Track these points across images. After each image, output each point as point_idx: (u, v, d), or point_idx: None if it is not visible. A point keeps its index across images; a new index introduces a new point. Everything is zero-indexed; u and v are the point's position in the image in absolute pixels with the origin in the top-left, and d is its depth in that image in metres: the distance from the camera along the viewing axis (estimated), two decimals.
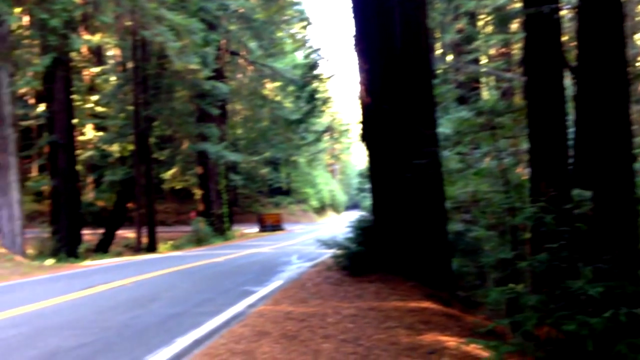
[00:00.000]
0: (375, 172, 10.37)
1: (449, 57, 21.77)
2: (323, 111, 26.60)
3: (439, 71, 16.52)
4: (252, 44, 32.45)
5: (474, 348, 5.62)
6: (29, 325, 6.88)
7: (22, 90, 28.74)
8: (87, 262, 19.02)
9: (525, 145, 7.66)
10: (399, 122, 9.52)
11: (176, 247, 26.31)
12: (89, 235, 27.82)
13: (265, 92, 37.18)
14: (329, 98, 23.77)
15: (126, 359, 5.25)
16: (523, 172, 8.89)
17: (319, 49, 21.95)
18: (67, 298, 9.24)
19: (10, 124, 17.65)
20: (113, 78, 32.51)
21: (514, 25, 17.87)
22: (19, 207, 17.91)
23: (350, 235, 11.68)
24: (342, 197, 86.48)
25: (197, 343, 5.86)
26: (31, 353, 5.48)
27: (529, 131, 6.15)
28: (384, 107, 9.60)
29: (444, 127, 12.24)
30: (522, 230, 7.39)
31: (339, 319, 6.86)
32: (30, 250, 20.24)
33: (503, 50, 20.53)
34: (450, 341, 5.80)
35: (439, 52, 21.88)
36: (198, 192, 33.27)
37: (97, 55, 35.55)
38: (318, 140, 25.18)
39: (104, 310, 7.90)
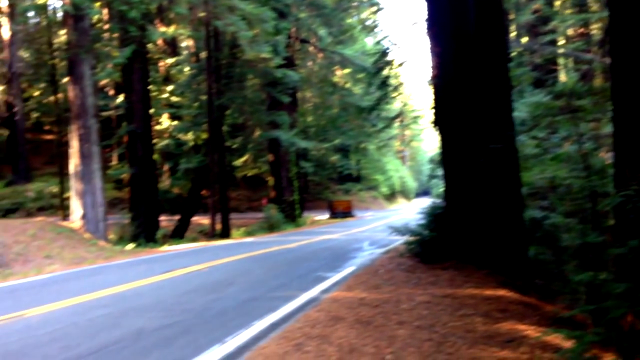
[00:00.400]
0: (448, 158, 10.21)
1: (524, 39, 21.10)
2: (394, 97, 26.29)
3: (513, 54, 16.05)
4: (322, 31, 32.48)
5: (554, 338, 5.48)
6: (114, 307, 7.20)
7: (103, 82, 29.90)
8: (165, 247, 19.67)
9: (607, 129, 7.36)
10: (473, 107, 9.32)
11: (249, 234, 26.81)
12: (166, 221, 28.73)
13: (335, 79, 37.17)
14: (400, 84, 23.44)
15: (207, 340, 5.41)
16: (605, 156, 8.56)
17: (390, 35, 21.80)
18: (149, 281, 9.61)
19: (93, 115, 18.41)
20: (187, 68, 33.29)
21: (594, 6, 17.13)
22: (102, 194, 18.69)
23: (422, 222, 11.58)
24: (412, 184, 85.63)
25: (274, 326, 5.98)
26: (118, 332, 5.74)
27: (614, 114, 5.90)
28: (459, 93, 9.42)
29: (520, 111, 11.91)
30: (603, 217, 7.13)
31: (412, 305, 6.83)
32: (111, 236, 21.13)
33: (582, 30, 19.72)
34: (529, 330, 5.67)
35: (513, 34, 21.25)
36: (270, 179, 33.75)
37: (172, 46, 36.50)
38: (389, 127, 24.98)
39: (183, 294, 8.16)
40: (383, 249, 14.48)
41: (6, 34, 32.69)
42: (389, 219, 31.05)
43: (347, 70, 36.28)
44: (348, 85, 38.60)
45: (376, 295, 7.61)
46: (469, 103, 9.33)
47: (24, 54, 29.97)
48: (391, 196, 69.08)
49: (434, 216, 11.22)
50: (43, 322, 6.32)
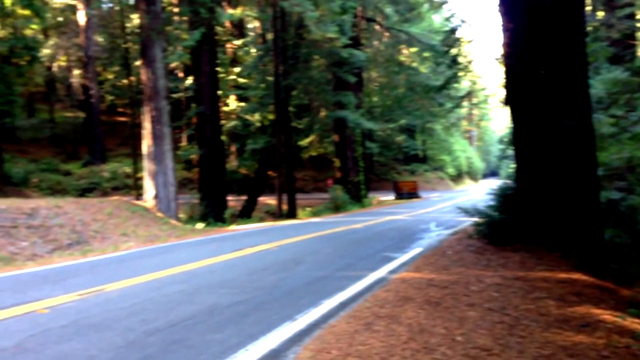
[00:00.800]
0: (520, 138, 9.93)
1: (600, 13, 20.19)
2: (464, 76, 25.74)
3: (589, 28, 15.40)
4: (389, 10, 32.06)
5: (631, 322, 5.30)
6: (188, 283, 7.44)
7: (173, 65, 30.61)
8: (233, 227, 20.09)
9: None
10: (547, 84, 9.01)
11: (315, 214, 27.04)
12: (233, 201, 29.33)
13: (402, 58, 36.70)
14: (469, 62, 22.86)
15: (278, 317, 5.51)
16: None
17: (458, 12, 21.28)
18: (220, 259, 9.86)
19: (164, 97, 18.91)
20: (253, 50, 33.65)
21: None
22: (173, 174, 19.23)
23: (492, 203, 11.36)
24: (479, 165, 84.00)
25: (343, 305, 6.03)
26: (192, 308, 5.93)
27: None
28: (532, 70, 9.12)
29: (596, 89, 11.47)
30: None
31: (482, 287, 6.74)
32: (182, 215, 21.75)
33: None
34: (605, 314, 5.50)
35: (589, 7, 20.36)
36: (335, 160, 33.84)
37: (239, 28, 36.98)
38: (458, 106, 24.47)
39: (253, 272, 8.34)
40: (450, 230, 14.32)
41: (82, 19, 33.90)
42: (456, 200, 30.65)
43: (413, 49, 35.72)
44: (414, 64, 38.07)
45: (445, 276, 7.55)
46: (543, 80, 9.02)
47: (99, 38, 30.99)
48: (458, 177, 68.05)
49: (503, 197, 10.98)
50: (122, 297, 6.60)
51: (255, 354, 4.35)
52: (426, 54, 34.39)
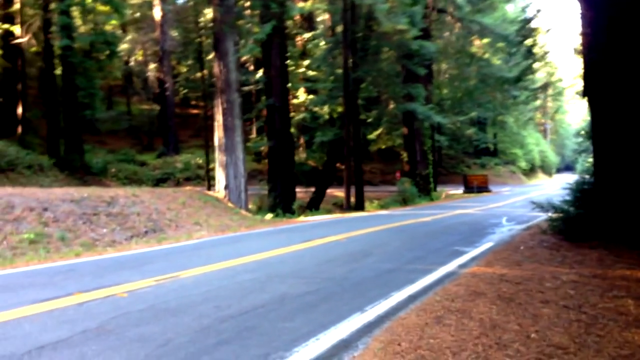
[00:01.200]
0: (600, 131, 9.57)
1: None
2: (539, 68, 24.94)
3: None
4: (461, 0, 31.45)
5: None
6: (259, 272, 7.58)
7: (244, 58, 31.11)
8: (302, 218, 20.29)
9: None
10: (629, 76, 8.64)
11: (382, 206, 26.94)
12: (301, 193, 29.61)
13: (473, 49, 35.92)
14: (545, 53, 22.09)
15: (347, 308, 5.55)
16: None
17: (533, 1, 20.54)
18: (289, 250, 10.00)
19: (236, 89, 19.28)
20: (323, 43, 33.73)
21: None
22: (243, 166, 19.60)
23: (567, 198, 11.03)
24: (553, 159, 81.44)
25: (412, 298, 6.00)
26: (263, 296, 6.05)
27: None
28: (613, 60, 8.76)
29: None
30: None
31: (558, 284, 6.57)
32: (251, 205, 22.14)
33: None
34: None
35: None
36: (403, 153, 33.59)
37: (309, 21, 37.17)
38: (533, 98, 23.67)
39: (322, 262, 8.41)
40: (523, 225, 13.99)
41: (158, 15, 34.92)
42: (529, 195, 29.86)
43: (486, 40, 34.91)
44: (487, 55, 37.19)
45: (517, 272, 7.40)
46: (625, 71, 8.65)
47: (174, 32, 31.86)
48: (530, 171, 66.21)
49: (580, 192, 10.64)
50: (196, 283, 6.80)
51: (326, 343, 4.39)
52: (499, 45, 33.56)
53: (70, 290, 6.40)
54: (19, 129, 31.46)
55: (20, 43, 27.86)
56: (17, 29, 28.96)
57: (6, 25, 30.86)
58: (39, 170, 22.36)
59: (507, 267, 7.79)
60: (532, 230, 12.29)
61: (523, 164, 63.26)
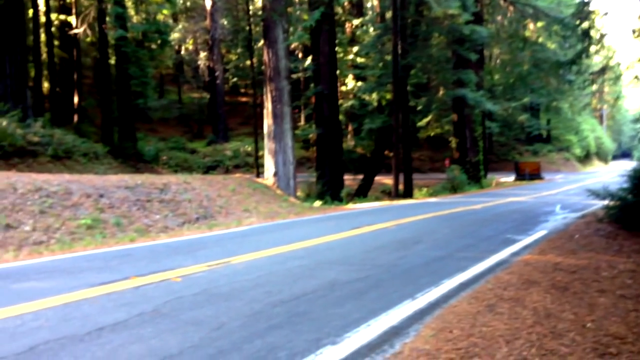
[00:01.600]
0: None
1: None
2: (596, 51, 24.10)
3: None
4: None
5: None
6: (308, 259, 7.63)
7: (292, 46, 31.18)
8: (350, 205, 20.30)
9: None
10: None
11: (431, 194, 26.71)
12: (349, 180, 29.59)
13: (527, 33, 35.00)
14: (603, 36, 21.23)
15: (397, 295, 5.53)
16: None
17: None
18: (338, 237, 10.02)
19: (285, 77, 19.35)
20: (372, 29, 33.50)
21: None
22: (292, 153, 19.70)
23: (625, 185, 10.69)
24: (610, 145, 78.96)
25: (463, 286, 5.94)
26: (313, 283, 6.08)
27: None
28: None
29: None
30: None
31: (614, 273, 6.39)
32: (299, 193, 22.26)
33: None
34: None
35: None
36: (453, 140, 33.14)
37: (358, 7, 36.93)
38: (590, 83, 22.82)
39: (371, 249, 8.40)
40: (577, 213, 13.65)
41: (208, 4, 35.30)
42: (583, 182, 29.12)
43: (540, 24, 33.93)
44: (540, 39, 36.19)
45: (572, 260, 7.23)
46: None
47: (224, 21, 32.19)
48: (585, 158, 64.37)
49: (638, 179, 10.29)
50: (247, 269, 6.90)
51: (377, 329, 4.39)
52: (554, 29, 32.61)
53: (127, 274, 6.59)
54: (75, 118, 32.45)
55: (76, 34, 28.63)
56: (73, 20, 29.76)
57: (63, 16, 31.78)
58: (94, 158, 22.98)
59: (562, 255, 7.62)
60: (587, 219, 11.98)
61: (577, 151, 61.54)
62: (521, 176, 37.06)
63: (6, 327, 4.50)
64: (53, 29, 33.69)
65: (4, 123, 18.17)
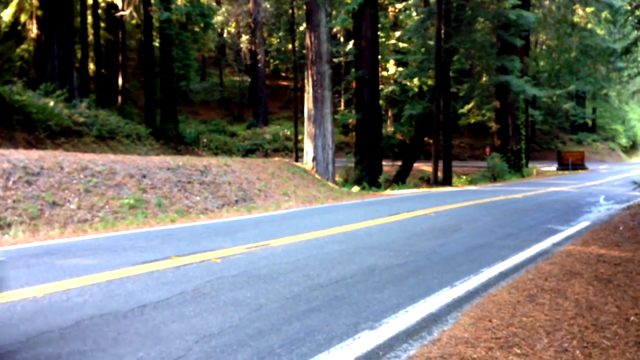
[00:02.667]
0: None
1: None
2: None
3: None
4: None
5: None
6: (347, 244, 7.65)
7: (335, 30, 31.03)
8: (388, 191, 20.23)
9: None
10: None
11: (471, 182, 26.40)
12: (388, 166, 29.46)
13: (575, 19, 34.08)
14: None
15: (436, 282, 5.51)
16: None
17: None
18: (377, 222, 10.01)
19: (327, 61, 19.30)
20: (415, 13, 33.07)
21: None
22: (332, 138, 19.69)
23: None
24: None
25: (503, 275, 5.88)
26: (352, 267, 6.10)
27: None
28: None
29: None
30: None
31: None
32: (337, 178, 22.26)
33: None
34: None
35: None
36: (494, 127, 32.62)
37: None
38: None
39: (410, 236, 8.37)
40: (622, 204, 13.33)
41: None
42: (629, 173, 28.40)
43: (589, 9, 33.00)
44: (589, 25, 35.21)
45: (616, 252, 7.08)
46: None
47: (267, 4, 32.21)
48: (631, 148, 62.62)
49: None
50: (286, 252, 6.95)
51: (415, 316, 4.39)
52: (604, 15, 31.66)
53: (168, 254, 6.71)
54: (119, 99, 33.01)
55: (122, 16, 29.04)
56: (119, 2, 30.17)
57: None
58: (137, 139, 23.37)
59: (605, 247, 7.48)
60: (632, 210, 11.70)
61: (623, 141, 59.88)
62: (564, 165, 36.33)
63: (53, 301, 4.65)
64: (100, 11, 34.21)
65: (51, 103, 18.61)
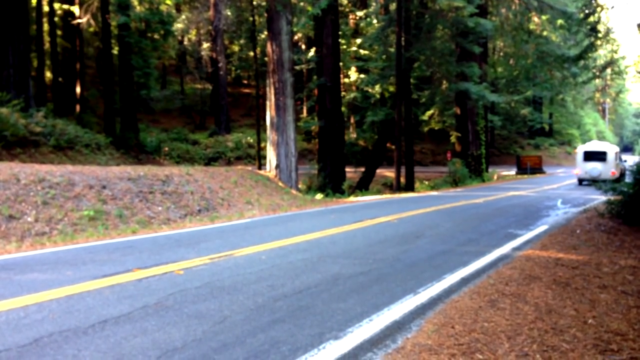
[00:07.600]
0: None
1: None
2: (602, 45, 23.84)
3: None
4: None
5: None
6: (311, 252, 7.65)
7: (296, 37, 31.11)
8: (351, 198, 20.31)
9: None
10: None
11: (433, 187, 26.73)
12: (351, 173, 29.58)
13: (531, 26, 34.82)
14: (609, 30, 21.07)
15: (400, 289, 5.55)
16: None
17: None
18: (340, 230, 10.04)
19: (289, 69, 19.30)
20: (375, 21, 33.35)
21: None
22: (295, 145, 19.68)
23: (627, 180, 10.71)
24: (612, 139, 78.66)
25: (465, 281, 5.96)
26: (316, 276, 6.10)
27: None
28: None
29: None
30: None
31: (616, 269, 6.42)
32: (301, 185, 22.26)
33: None
34: None
35: None
36: (454, 133, 33.12)
37: None
38: (597, 77, 22.65)
39: (374, 243, 8.42)
40: (579, 208, 13.68)
41: None
42: None
43: (545, 17, 33.75)
44: (545, 33, 36.02)
45: (574, 256, 7.25)
46: None
47: (227, 12, 32.05)
48: None
49: None
50: (249, 262, 6.92)
51: (379, 324, 4.41)
52: (559, 22, 32.45)
53: (129, 267, 6.61)
54: (78, 108, 32.40)
55: (79, 23, 28.56)
56: (76, 10, 29.68)
57: (66, 6, 31.67)
58: (96, 149, 22.95)
59: (563, 251, 7.65)
60: (588, 214, 12.00)
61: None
62: (523, 170, 37.10)
63: (10, 318, 4.53)
64: (56, 18, 33.55)
65: (6, 113, 18.15)
